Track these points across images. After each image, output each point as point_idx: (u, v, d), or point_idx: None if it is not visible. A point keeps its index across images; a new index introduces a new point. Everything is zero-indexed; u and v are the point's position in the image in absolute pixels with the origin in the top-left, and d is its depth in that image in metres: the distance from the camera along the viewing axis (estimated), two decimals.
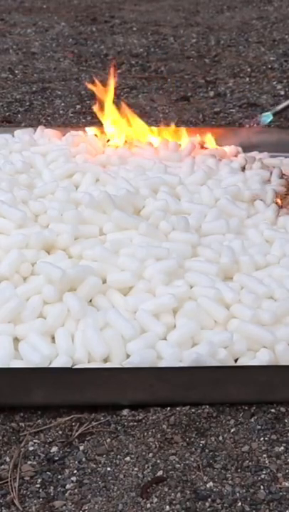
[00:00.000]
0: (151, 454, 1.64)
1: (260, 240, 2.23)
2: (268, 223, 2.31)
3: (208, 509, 1.52)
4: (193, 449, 1.65)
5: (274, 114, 3.08)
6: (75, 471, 1.61)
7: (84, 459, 1.63)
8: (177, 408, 1.74)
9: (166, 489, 1.56)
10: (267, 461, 1.63)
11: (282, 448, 1.66)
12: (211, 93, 3.54)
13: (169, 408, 1.74)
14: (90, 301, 1.98)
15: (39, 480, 1.59)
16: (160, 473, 1.60)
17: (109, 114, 2.80)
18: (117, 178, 2.41)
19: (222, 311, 1.93)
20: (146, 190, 2.35)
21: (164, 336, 1.87)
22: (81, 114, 3.32)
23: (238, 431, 1.70)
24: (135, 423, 1.72)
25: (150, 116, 3.20)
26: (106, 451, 1.65)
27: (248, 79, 3.71)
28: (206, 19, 4.60)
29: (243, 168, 2.62)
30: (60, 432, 1.70)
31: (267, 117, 3.06)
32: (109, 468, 1.61)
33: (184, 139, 2.78)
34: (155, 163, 2.53)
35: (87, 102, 3.42)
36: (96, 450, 1.65)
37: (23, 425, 1.72)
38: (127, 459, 1.63)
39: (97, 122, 2.90)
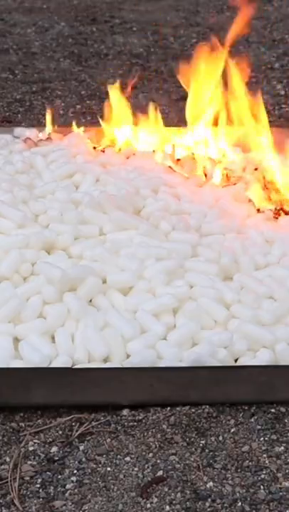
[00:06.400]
0: (151, 454, 1.64)
1: (260, 240, 2.23)
2: (267, 223, 2.31)
3: (208, 509, 1.52)
4: (193, 449, 1.65)
5: None
6: (75, 471, 1.61)
7: (84, 459, 1.63)
8: (177, 408, 1.74)
9: (166, 489, 1.56)
10: (267, 461, 1.63)
11: (282, 448, 1.66)
12: None
13: (169, 408, 1.74)
14: (90, 301, 1.98)
15: (39, 480, 1.59)
16: (160, 473, 1.60)
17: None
18: (117, 178, 2.41)
19: (222, 311, 1.93)
20: (146, 190, 2.35)
21: (164, 336, 1.87)
22: (81, 114, 3.31)
23: (238, 431, 1.70)
24: (135, 423, 1.72)
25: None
26: (106, 451, 1.65)
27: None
28: (206, 19, 4.60)
29: (244, 169, 2.62)
30: (60, 432, 1.70)
31: None
32: (109, 468, 1.61)
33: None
34: (156, 164, 2.53)
35: (87, 102, 3.42)
36: (96, 450, 1.65)
37: (23, 425, 1.72)
38: (127, 459, 1.63)
39: (96, 123, 2.90)
